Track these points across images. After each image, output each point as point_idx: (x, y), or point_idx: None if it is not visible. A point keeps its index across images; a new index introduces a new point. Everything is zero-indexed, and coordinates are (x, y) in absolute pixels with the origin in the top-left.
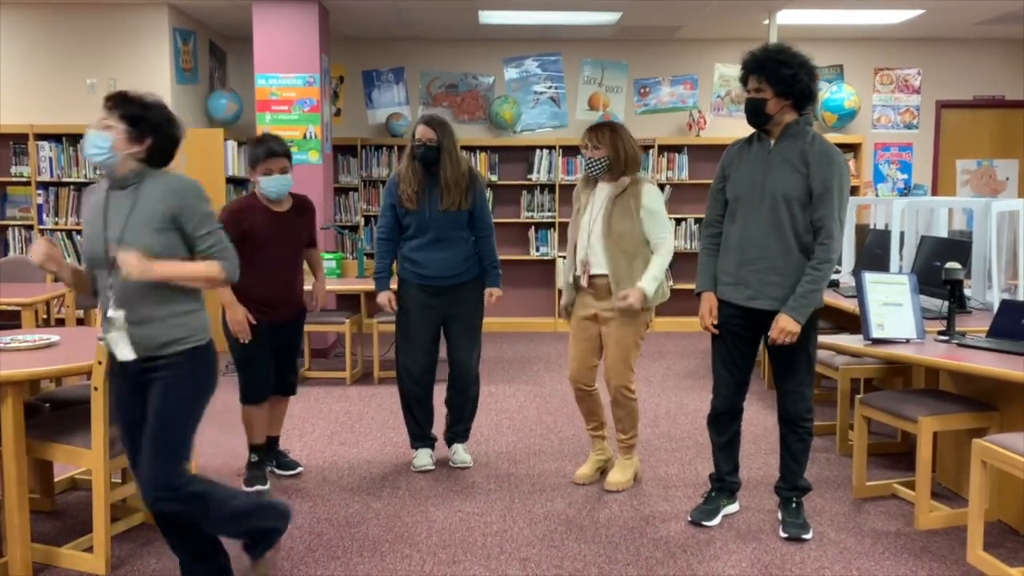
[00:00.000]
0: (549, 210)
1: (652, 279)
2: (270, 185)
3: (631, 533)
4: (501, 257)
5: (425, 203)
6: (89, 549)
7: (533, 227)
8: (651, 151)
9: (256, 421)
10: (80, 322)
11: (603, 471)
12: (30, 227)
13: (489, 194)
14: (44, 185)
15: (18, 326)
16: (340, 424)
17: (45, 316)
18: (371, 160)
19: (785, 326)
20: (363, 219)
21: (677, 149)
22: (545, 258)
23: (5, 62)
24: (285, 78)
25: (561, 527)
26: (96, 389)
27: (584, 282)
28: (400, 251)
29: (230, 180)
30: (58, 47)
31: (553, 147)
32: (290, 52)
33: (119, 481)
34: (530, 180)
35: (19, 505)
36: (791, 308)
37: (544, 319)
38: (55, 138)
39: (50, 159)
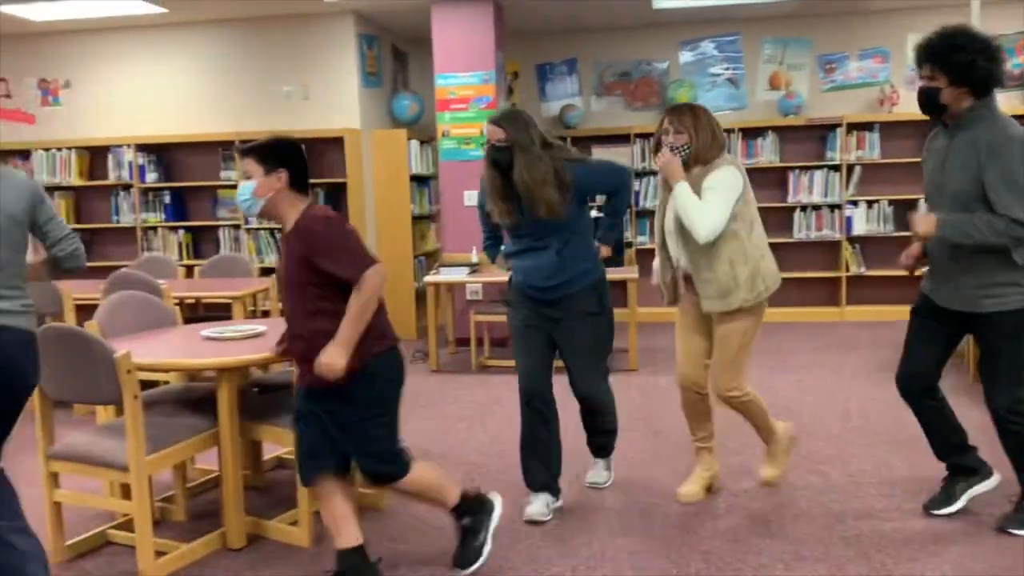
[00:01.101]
0: None
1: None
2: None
3: (820, 530)
4: None
5: (515, 211)
6: (294, 523)
7: None
8: (838, 130)
9: (327, 509)
10: (283, 313)
11: (709, 488)
12: (237, 227)
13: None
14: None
15: (229, 317)
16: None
17: (252, 308)
18: None
19: (928, 224)
20: None
21: (867, 127)
22: None
23: (212, 76)
24: (463, 77)
25: (745, 522)
26: None
27: (680, 277)
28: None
29: (414, 178)
30: (256, 59)
31: (732, 130)
32: (467, 51)
33: None
34: None
35: (234, 481)
36: (945, 220)
37: None
38: None
39: None
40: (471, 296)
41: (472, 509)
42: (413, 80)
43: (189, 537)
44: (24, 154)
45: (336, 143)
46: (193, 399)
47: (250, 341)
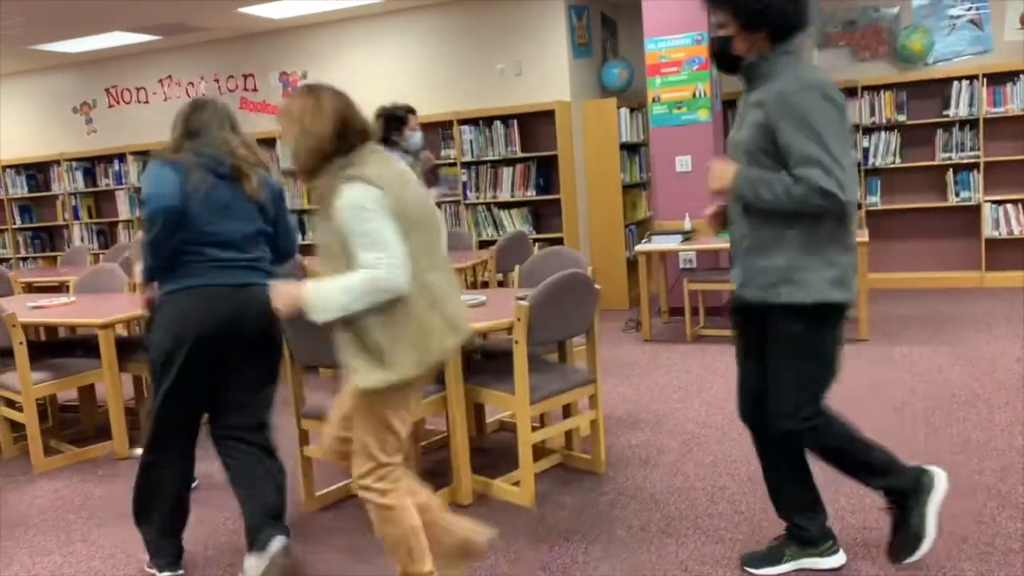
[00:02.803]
0: (972, 149)
1: None
2: None
3: None
4: (915, 206)
5: None
6: (517, 483)
7: (951, 169)
8: None
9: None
10: (500, 284)
11: None
12: (457, 203)
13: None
14: (467, 165)
15: None
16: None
17: (472, 279)
18: None
19: (723, 175)
20: None
21: None
22: (967, 204)
23: (430, 58)
24: (674, 39)
25: (992, 502)
26: (517, 342)
27: None
28: None
29: (624, 146)
30: (470, 39)
31: (975, 76)
32: (677, 12)
33: (538, 425)
34: (947, 116)
35: (462, 442)
36: (742, 173)
37: (967, 273)
38: (473, 122)
39: (470, 141)
40: (684, 264)
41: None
42: (623, 47)
43: None
44: (271, 143)
45: (547, 116)
46: None
47: (473, 310)
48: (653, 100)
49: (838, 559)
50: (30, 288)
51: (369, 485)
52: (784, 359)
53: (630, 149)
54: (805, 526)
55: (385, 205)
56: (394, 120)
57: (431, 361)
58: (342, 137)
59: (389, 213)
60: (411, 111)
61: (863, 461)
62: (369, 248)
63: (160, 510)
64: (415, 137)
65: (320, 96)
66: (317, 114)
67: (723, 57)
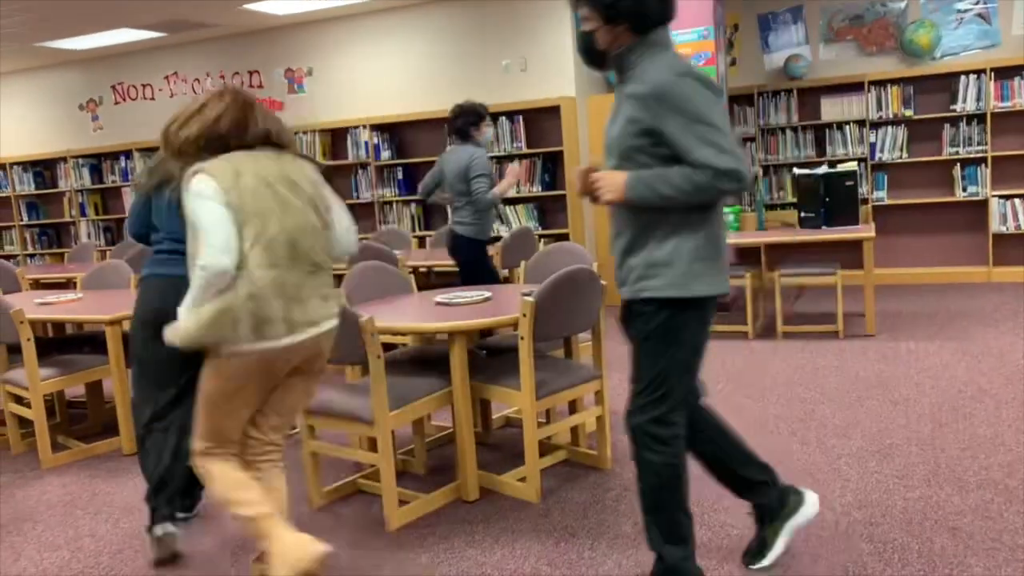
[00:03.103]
0: (979, 144)
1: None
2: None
3: None
4: (922, 201)
5: None
6: (522, 479)
7: (958, 164)
8: None
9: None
10: (506, 280)
11: None
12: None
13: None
14: None
15: (458, 284)
16: (743, 377)
17: None
18: (769, 107)
19: (615, 185)
20: (761, 170)
21: None
22: (974, 199)
23: (435, 55)
24: (680, 34)
25: (999, 497)
26: (523, 338)
27: None
28: None
29: None
30: (475, 35)
31: (983, 71)
32: (683, 6)
33: (544, 421)
34: (954, 111)
35: (467, 437)
36: (634, 179)
37: (974, 268)
38: None
39: None
40: None
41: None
42: None
43: (428, 488)
44: None
45: (553, 112)
46: (428, 360)
47: (479, 306)
48: None
49: (812, 502)
50: (37, 285)
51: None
52: (643, 355)
53: None
54: (762, 501)
55: (218, 195)
56: (473, 115)
57: (242, 350)
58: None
59: (223, 203)
60: (487, 110)
61: (738, 476)
62: (195, 236)
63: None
64: (488, 135)
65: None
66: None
67: (589, 52)
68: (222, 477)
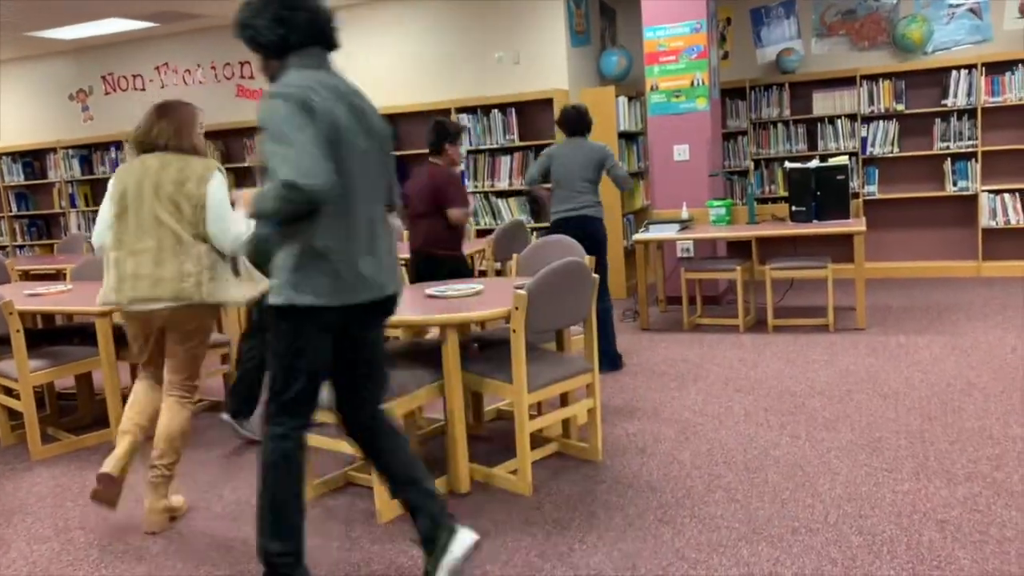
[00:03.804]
0: (969, 139)
1: None
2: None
3: None
4: (912, 195)
5: None
6: (514, 472)
7: (949, 159)
8: None
9: None
10: (499, 273)
11: None
12: None
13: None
14: (465, 153)
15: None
16: (734, 370)
17: (470, 267)
18: (761, 101)
19: (247, 196)
20: (753, 163)
21: None
22: (964, 193)
23: (428, 47)
24: (672, 28)
25: (987, 490)
26: (515, 332)
27: None
28: None
29: (622, 135)
30: (469, 27)
31: (974, 66)
32: (676, 1)
33: (536, 413)
34: (945, 106)
35: (459, 430)
36: (255, 191)
37: (964, 263)
38: (471, 110)
39: (468, 130)
40: (682, 254)
41: None
42: (621, 35)
43: None
44: None
45: (545, 105)
46: (420, 353)
47: (470, 299)
48: (651, 89)
49: (461, 541)
50: (27, 276)
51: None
52: (270, 362)
53: (628, 138)
54: (420, 528)
55: (113, 185)
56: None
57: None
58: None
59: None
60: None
61: (398, 496)
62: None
63: None
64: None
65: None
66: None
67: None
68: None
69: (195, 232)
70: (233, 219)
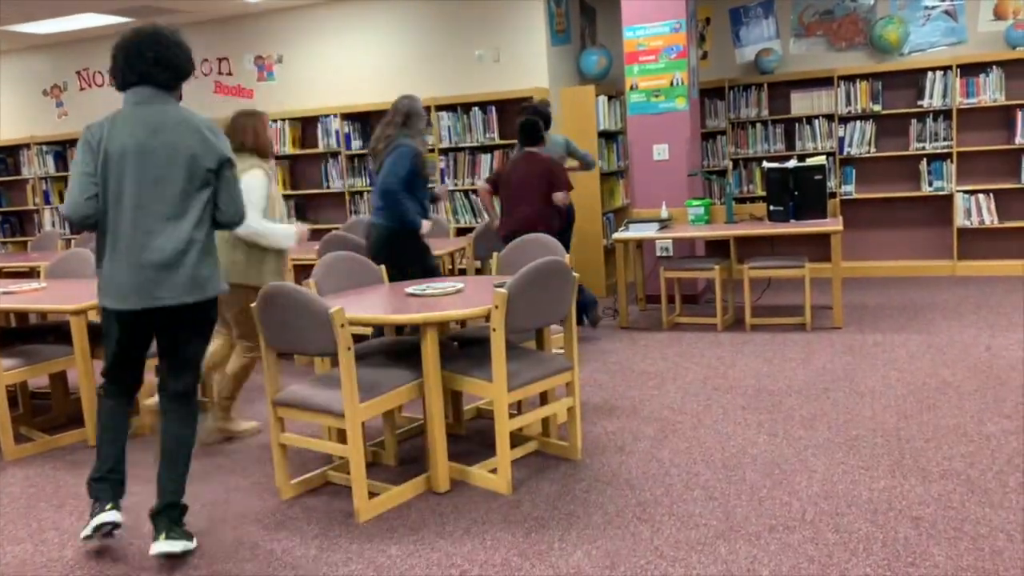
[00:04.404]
0: (945, 139)
1: None
2: None
3: None
4: (889, 195)
5: None
6: (494, 471)
7: (925, 159)
8: None
9: None
10: (478, 271)
11: None
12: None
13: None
14: (444, 151)
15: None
16: (712, 369)
17: (451, 266)
18: (739, 101)
19: None
20: (731, 163)
21: None
22: (940, 193)
23: (408, 45)
24: (652, 27)
25: (961, 487)
26: (495, 330)
27: None
28: None
29: (602, 134)
30: (449, 25)
31: (949, 67)
32: (656, 1)
33: (516, 412)
34: (920, 107)
35: (439, 428)
36: None
37: (939, 262)
38: (451, 108)
39: (448, 128)
40: (661, 253)
41: None
42: (601, 34)
43: (398, 480)
44: None
45: (525, 103)
46: (399, 352)
47: (450, 297)
48: (631, 88)
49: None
50: (0, 274)
51: None
52: None
53: (608, 137)
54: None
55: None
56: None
57: None
58: None
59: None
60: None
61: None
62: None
63: None
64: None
65: None
66: None
67: None
68: None
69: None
70: None
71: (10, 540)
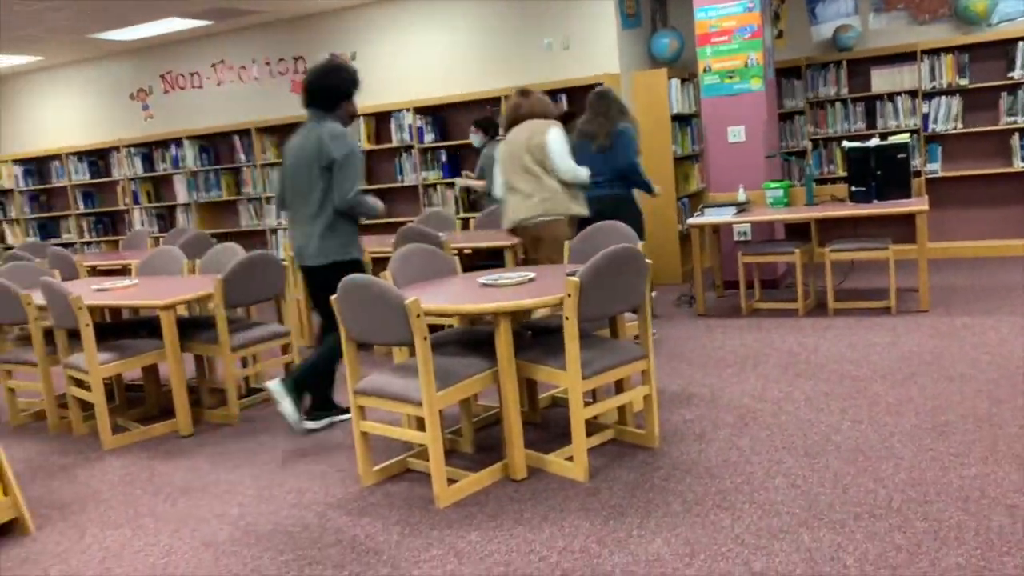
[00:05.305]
0: None
1: None
2: None
3: None
4: (977, 172)
5: None
6: (570, 458)
7: (1016, 134)
8: None
9: None
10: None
11: None
12: None
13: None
14: None
15: (502, 265)
16: (794, 355)
17: (523, 256)
18: (817, 80)
19: None
20: (811, 143)
21: None
22: None
23: (477, 36)
24: (724, 7)
25: None
26: (567, 319)
27: None
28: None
29: (675, 118)
30: (517, 15)
31: None
32: None
33: (591, 400)
34: (1011, 79)
35: (514, 416)
36: None
37: None
38: None
39: None
40: (738, 237)
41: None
42: (672, 16)
43: (476, 467)
44: None
45: None
46: (474, 341)
47: (523, 286)
48: (704, 70)
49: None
50: (94, 271)
51: None
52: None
53: (682, 120)
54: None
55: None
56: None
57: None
58: None
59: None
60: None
61: None
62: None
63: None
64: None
65: None
66: None
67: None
68: None
69: (546, 170)
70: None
71: (110, 525)
